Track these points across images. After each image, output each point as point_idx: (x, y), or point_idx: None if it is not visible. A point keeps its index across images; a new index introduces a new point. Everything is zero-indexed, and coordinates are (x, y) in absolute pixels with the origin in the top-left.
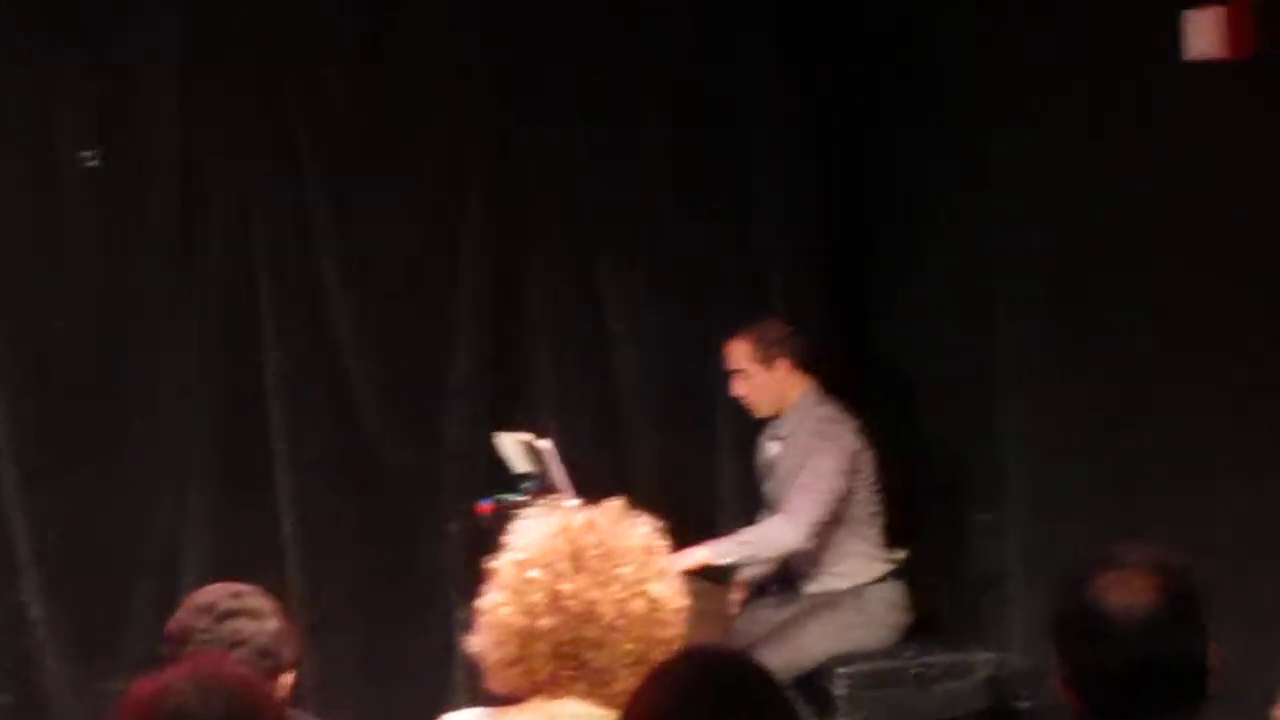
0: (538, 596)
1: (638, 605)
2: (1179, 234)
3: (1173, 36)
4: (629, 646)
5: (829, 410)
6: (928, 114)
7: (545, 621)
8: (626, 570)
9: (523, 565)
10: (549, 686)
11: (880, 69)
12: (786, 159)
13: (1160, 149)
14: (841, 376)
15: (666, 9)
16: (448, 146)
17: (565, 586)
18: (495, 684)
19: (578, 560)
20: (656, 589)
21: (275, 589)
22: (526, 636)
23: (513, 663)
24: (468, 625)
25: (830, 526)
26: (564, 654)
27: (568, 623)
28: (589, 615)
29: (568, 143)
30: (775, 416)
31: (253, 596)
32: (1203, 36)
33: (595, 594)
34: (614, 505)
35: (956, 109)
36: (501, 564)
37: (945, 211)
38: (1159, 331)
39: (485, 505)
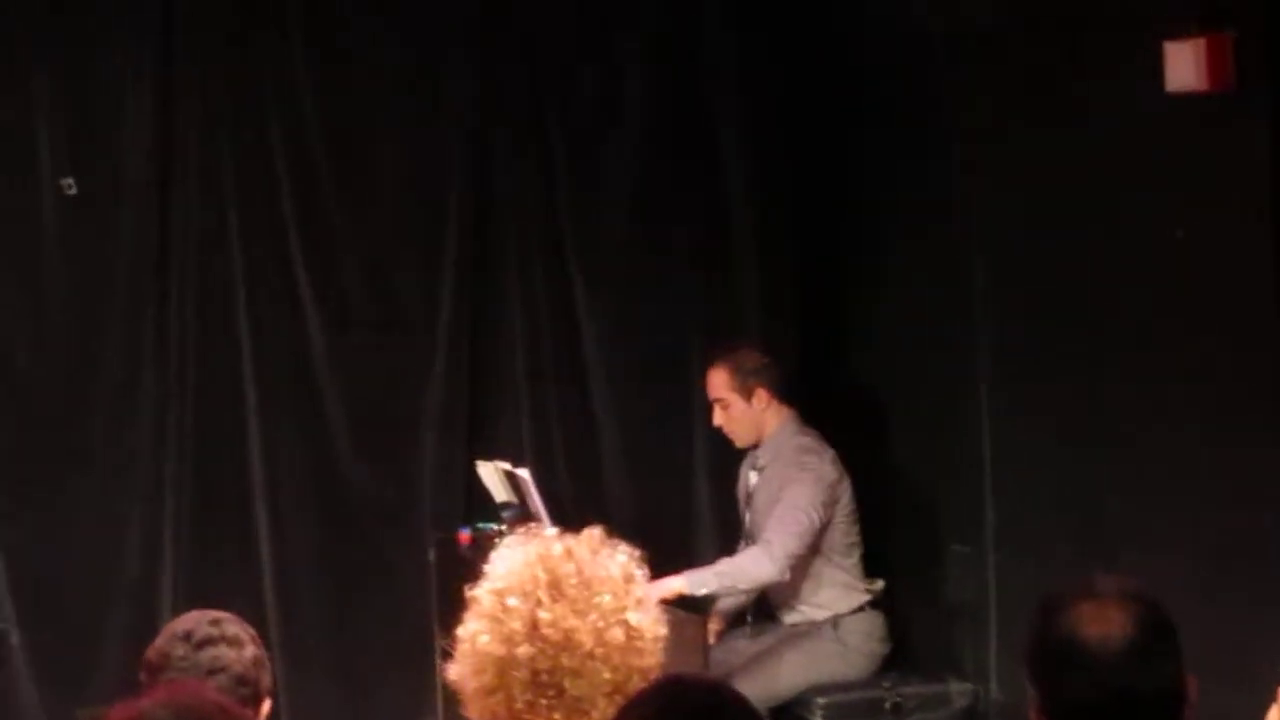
0: (516, 625)
1: (616, 634)
2: (1154, 263)
3: (1154, 69)
4: (607, 675)
5: (807, 440)
6: (901, 140)
7: (523, 650)
8: (605, 599)
9: (501, 594)
10: (527, 715)
11: (856, 89)
12: (759, 179)
13: (1139, 179)
14: (818, 406)
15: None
16: (423, 171)
17: (544, 615)
18: (473, 712)
19: (556, 589)
20: (635, 618)
21: (252, 617)
22: (505, 665)
23: (491, 691)
24: (446, 654)
25: (808, 557)
26: (542, 682)
27: (546, 651)
28: (567, 644)
29: (546, 168)
30: (755, 446)
31: (231, 624)
32: (1184, 69)
33: (574, 622)
34: (592, 534)
35: (934, 138)
36: (480, 593)
37: (920, 243)
38: (1134, 362)
39: (464, 534)
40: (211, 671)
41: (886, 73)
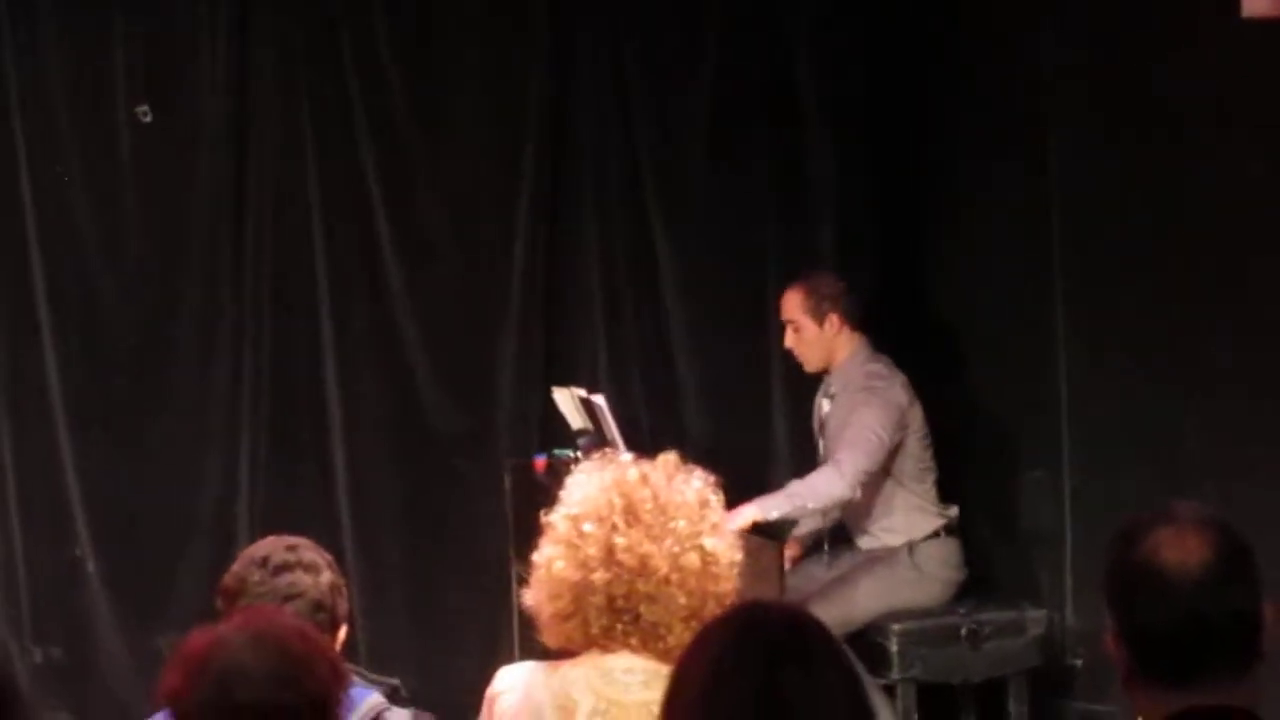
0: (592, 550)
1: (691, 559)
2: (1238, 194)
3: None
4: (683, 600)
5: (877, 367)
6: (984, 74)
7: (599, 575)
8: (680, 524)
9: (577, 520)
10: (603, 640)
11: (934, 25)
12: (837, 117)
13: (1217, 107)
14: (897, 340)
15: None
16: (500, 109)
17: (619, 540)
18: (549, 638)
19: (632, 514)
20: (710, 543)
21: (329, 546)
22: (581, 590)
23: (567, 616)
24: (522, 580)
25: (880, 479)
26: (618, 608)
27: (621, 576)
28: (643, 569)
29: (620, 104)
30: (825, 373)
31: (307, 550)
32: None
33: (649, 548)
34: (668, 459)
35: (1014, 71)
36: (556, 519)
37: (1000, 168)
38: (1215, 288)
39: (539, 460)
40: (288, 597)
41: (964, 12)
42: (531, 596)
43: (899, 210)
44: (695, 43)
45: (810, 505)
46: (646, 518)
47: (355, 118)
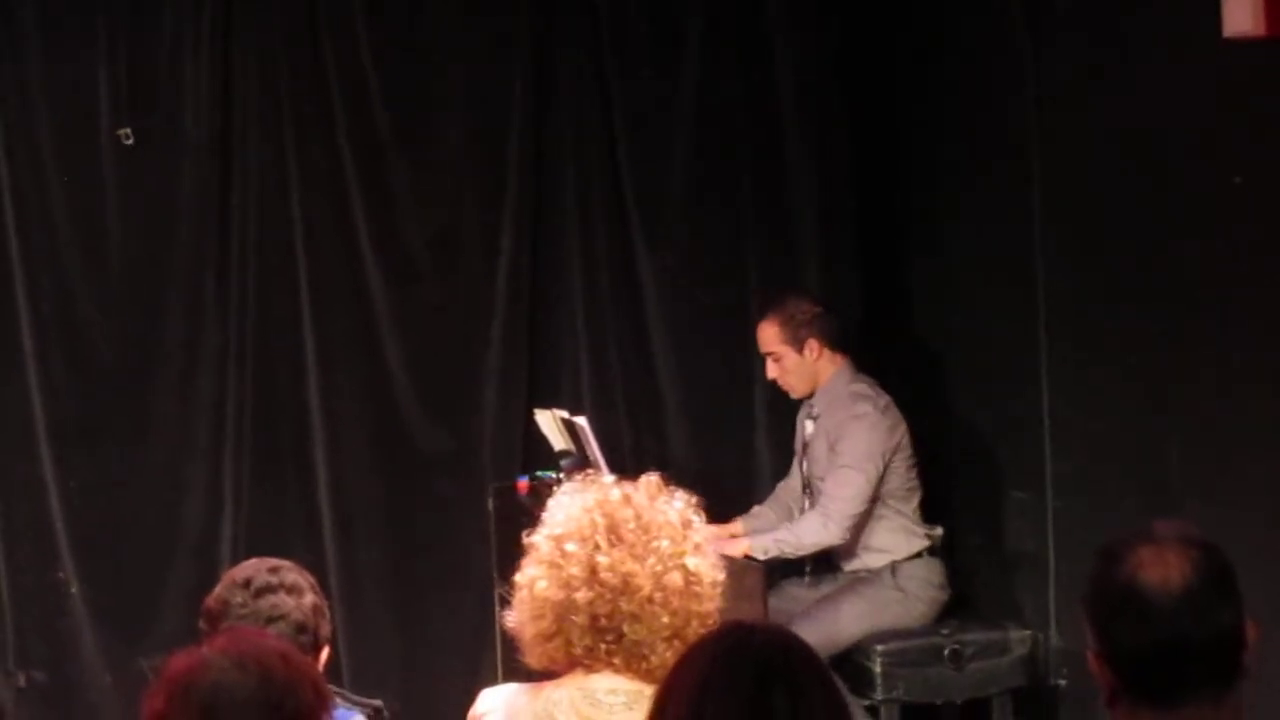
0: (575, 570)
1: (674, 578)
2: (1218, 211)
3: (1212, 13)
4: (665, 620)
5: (861, 387)
6: (965, 92)
7: (582, 594)
8: (663, 543)
9: (560, 539)
10: (586, 660)
11: (911, 47)
12: (819, 135)
13: (1201, 126)
14: (880, 357)
15: None
16: (483, 127)
17: (602, 559)
18: (532, 659)
19: (614, 533)
20: (693, 563)
21: (313, 568)
22: (564, 609)
23: (550, 636)
24: (504, 602)
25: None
26: (601, 627)
27: (604, 595)
28: (625, 588)
29: (603, 124)
30: (810, 395)
31: (290, 572)
32: (1241, 13)
33: (632, 567)
34: (650, 480)
35: (994, 87)
36: (538, 539)
37: (983, 189)
38: (1195, 311)
39: (522, 483)
40: (271, 619)
41: (944, 23)
42: (514, 617)
43: (882, 229)
44: (677, 62)
45: (800, 553)
46: (629, 537)
47: (338, 136)
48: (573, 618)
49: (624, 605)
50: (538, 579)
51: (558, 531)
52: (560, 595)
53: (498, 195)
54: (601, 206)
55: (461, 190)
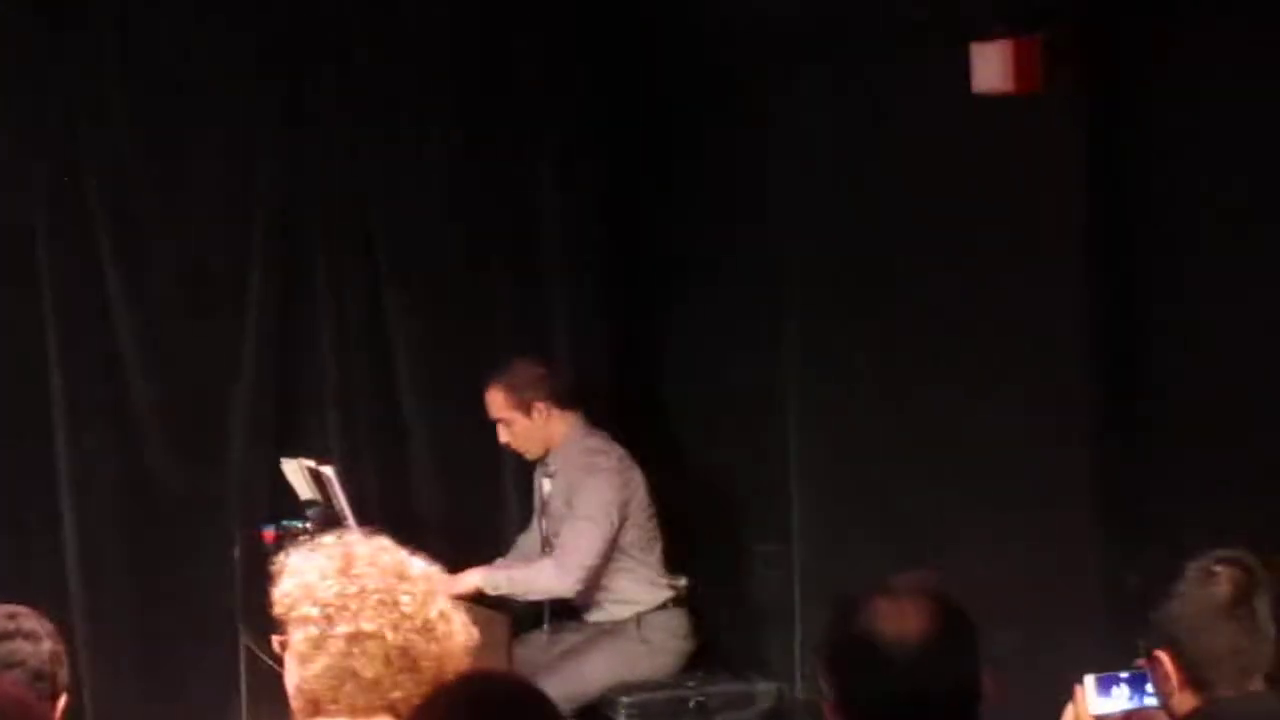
0: (313, 631)
1: (417, 637)
2: (963, 260)
3: (961, 69)
4: (411, 675)
5: (594, 442)
6: (709, 141)
7: (323, 655)
8: (406, 601)
9: (301, 598)
10: (332, 710)
11: (674, 98)
12: (570, 196)
13: (948, 177)
14: (630, 412)
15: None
16: (236, 175)
17: (367, 626)
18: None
19: (360, 594)
20: (437, 619)
21: (57, 614)
22: (340, 674)
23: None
24: (249, 652)
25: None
26: (343, 680)
27: (346, 652)
28: (386, 645)
29: (357, 171)
30: (546, 455)
31: (28, 619)
32: (990, 70)
33: (376, 624)
34: (382, 540)
35: (745, 144)
36: (280, 595)
37: (731, 241)
38: (942, 364)
39: (268, 532)
40: (8, 665)
41: (696, 76)
42: (289, 683)
43: (633, 283)
44: (430, 107)
45: (530, 596)
46: (372, 596)
47: (87, 170)
48: (346, 683)
49: (364, 666)
50: (279, 638)
51: (300, 589)
52: (302, 650)
53: (246, 244)
54: (353, 260)
55: (212, 237)
